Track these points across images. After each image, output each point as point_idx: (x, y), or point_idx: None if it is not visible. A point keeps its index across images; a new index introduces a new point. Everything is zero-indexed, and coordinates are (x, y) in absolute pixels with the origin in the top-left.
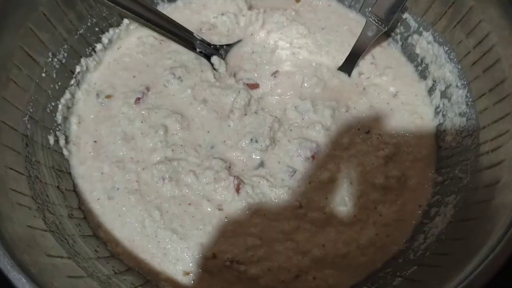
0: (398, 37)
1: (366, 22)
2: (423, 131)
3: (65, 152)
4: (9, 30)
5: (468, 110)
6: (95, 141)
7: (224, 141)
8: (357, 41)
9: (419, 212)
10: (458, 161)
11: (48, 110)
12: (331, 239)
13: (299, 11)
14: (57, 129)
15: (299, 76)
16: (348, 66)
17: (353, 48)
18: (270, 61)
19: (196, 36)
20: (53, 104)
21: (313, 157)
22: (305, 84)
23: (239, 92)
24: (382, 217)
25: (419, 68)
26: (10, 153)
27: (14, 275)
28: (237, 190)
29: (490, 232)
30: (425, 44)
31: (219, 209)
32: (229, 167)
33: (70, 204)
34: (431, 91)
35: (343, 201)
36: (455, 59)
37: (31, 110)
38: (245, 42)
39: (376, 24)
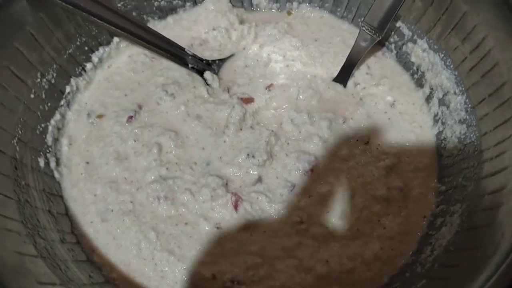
0: (393, 46)
1: (359, 32)
2: (423, 140)
3: (56, 174)
4: None
5: (468, 117)
6: (87, 162)
7: (220, 157)
8: (351, 51)
9: (424, 223)
10: (461, 168)
11: (37, 132)
12: (335, 254)
13: (291, 24)
14: (48, 151)
15: (294, 89)
16: (343, 77)
17: (347, 58)
18: (264, 75)
19: (188, 52)
20: (42, 125)
21: (311, 170)
22: (301, 97)
23: (234, 107)
24: (386, 230)
25: (415, 76)
26: None
27: None
28: (235, 207)
29: (502, 239)
30: (420, 52)
31: (217, 228)
32: (226, 184)
33: (62, 228)
34: (428, 99)
35: (345, 215)
36: (451, 66)
37: (20, 132)
38: (238, 57)
39: (369, 33)
